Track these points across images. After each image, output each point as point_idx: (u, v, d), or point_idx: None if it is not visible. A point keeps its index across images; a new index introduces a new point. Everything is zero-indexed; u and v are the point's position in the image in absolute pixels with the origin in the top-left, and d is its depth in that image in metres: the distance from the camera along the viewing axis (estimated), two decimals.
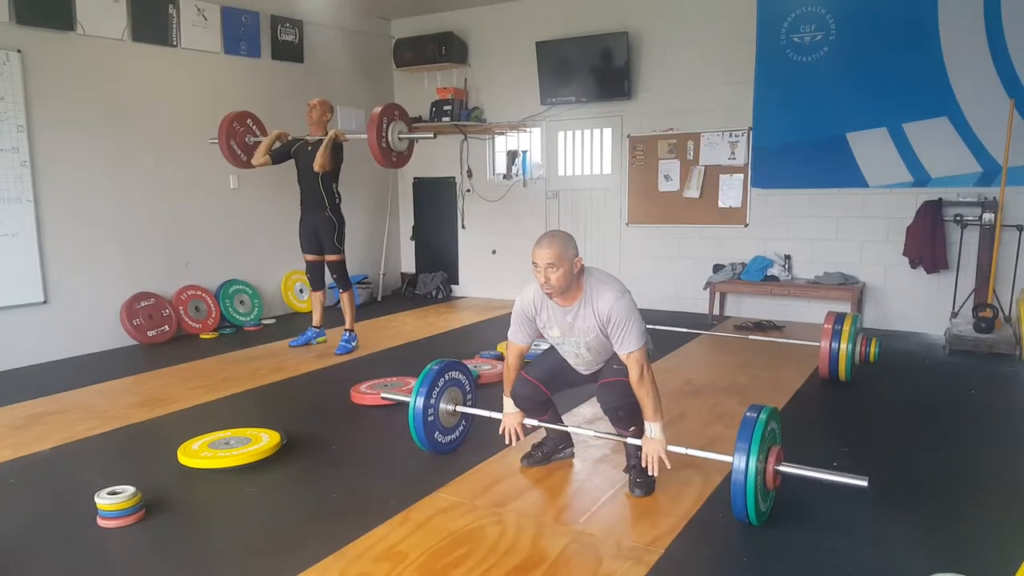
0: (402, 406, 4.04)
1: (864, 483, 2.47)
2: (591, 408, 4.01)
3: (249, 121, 5.64)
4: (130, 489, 2.75)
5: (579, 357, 2.98)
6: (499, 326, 6.31)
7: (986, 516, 2.73)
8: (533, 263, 2.74)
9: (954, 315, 5.61)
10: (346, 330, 5.52)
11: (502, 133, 7.66)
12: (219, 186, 6.43)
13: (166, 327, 5.91)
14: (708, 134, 6.54)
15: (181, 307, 6.07)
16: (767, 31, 6.16)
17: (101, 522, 2.70)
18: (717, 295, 6.54)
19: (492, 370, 4.62)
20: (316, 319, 5.70)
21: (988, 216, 5.37)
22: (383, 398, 3.79)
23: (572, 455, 3.31)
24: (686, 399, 4.18)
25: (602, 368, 2.98)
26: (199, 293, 6.23)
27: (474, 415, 3.43)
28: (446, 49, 7.45)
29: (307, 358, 5.34)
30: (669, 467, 2.75)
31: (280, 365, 5.14)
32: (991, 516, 2.73)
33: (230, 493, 3.03)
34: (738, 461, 2.49)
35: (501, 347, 5.20)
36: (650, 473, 2.81)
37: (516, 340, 3.01)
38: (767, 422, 2.58)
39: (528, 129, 7.51)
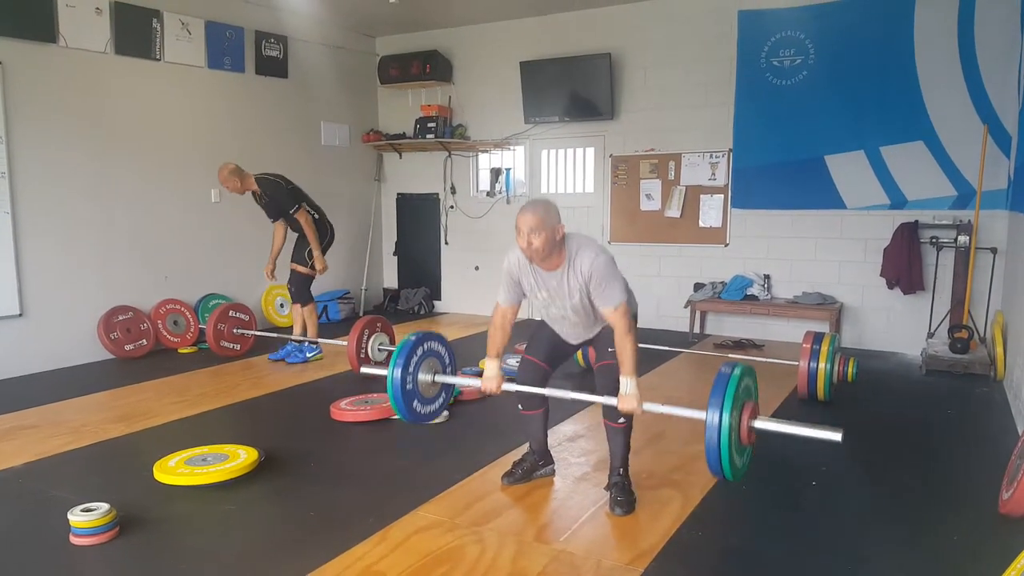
0: (382, 423, 4.04)
1: (838, 436, 2.53)
2: (572, 426, 4.01)
3: (232, 312, 5.83)
4: (104, 506, 2.70)
5: (566, 321, 3.01)
6: (481, 342, 6.29)
7: (962, 533, 2.76)
8: (516, 228, 2.82)
9: (930, 335, 5.69)
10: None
11: (486, 151, 7.70)
12: (200, 200, 6.39)
13: (144, 341, 5.84)
14: (689, 155, 6.62)
15: (160, 321, 6.01)
16: (747, 55, 6.27)
17: (74, 539, 2.65)
18: (698, 313, 6.59)
19: (473, 387, 4.59)
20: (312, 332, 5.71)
21: (963, 238, 5.47)
22: (362, 372, 3.81)
23: (552, 472, 3.31)
24: (666, 417, 4.15)
25: (597, 348, 3.04)
26: (178, 307, 6.17)
27: (454, 385, 3.44)
28: (431, 67, 7.50)
29: (287, 374, 5.31)
30: (641, 413, 2.78)
31: (259, 380, 5.10)
32: (967, 533, 2.76)
33: (207, 511, 2.99)
34: (711, 416, 2.51)
35: (483, 364, 5.18)
36: (621, 419, 2.88)
37: (501, 301, 3.06)
38: (741, 378, 2.60)
39: (512, 147, 7.55)
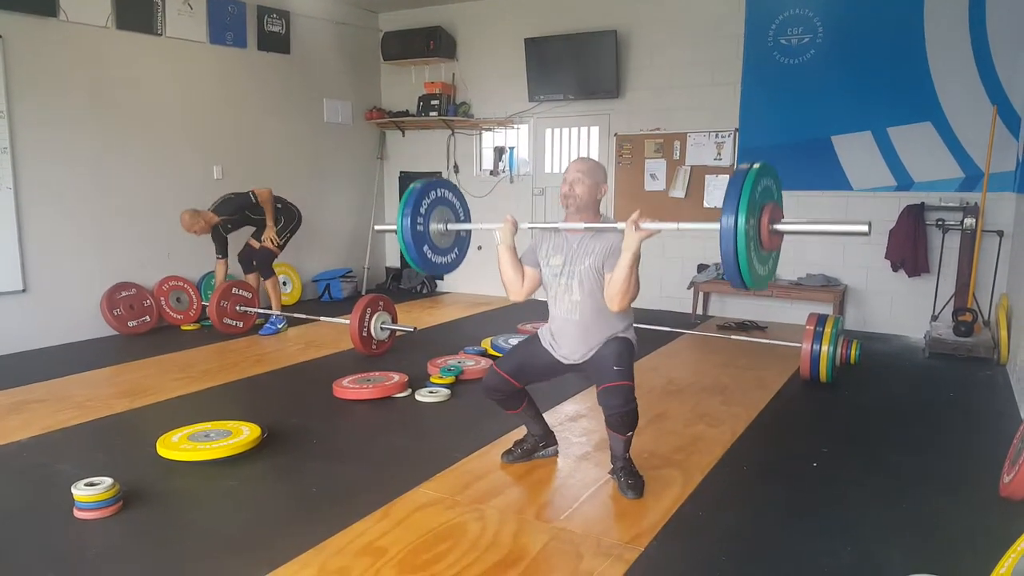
0: (384, 401, 4.05)
1: (865, 228, 2.35)
2: (574, 406, 4.02)
3: (235, 289, 5.86)
4: (108, 480, 2.72)
5: (570, 306, 2.90)
6: (483, 322, 6.31)
7: (963, 517, 2.76)
8: (563, 178, 2.90)
9: (934, 318, 5.67)
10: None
11: (489, 129, 7.64)
12: (203, 176, 6.37)
13: (147, 317, 5.85)
14: (695, 134, 6.56)
15: (162, 298, 6.01)
16: (755, 33, 6.19)
17: (78, 513, 2.67)
18: (701, 295, 6.57)
19: (476, 366, 4.61)
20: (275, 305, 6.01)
21: (969, 221, 5.43)
22: (376, 229, 3.80)
23: (555, 453, 3.30)
24: (668, 398, 4.20)
25: (597, 372, 2.91)
26: (181, 284, 6.17)
27: (469, 234, 3.36)
28: (434, 43, 7.42)
29: (289, 351, 5.32)
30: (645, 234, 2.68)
31: (262, 358, 5.11)
32: (968, 517, 2.76)
33: (209, 486, 3.01)
34: (726, 221, 2.28)
35: (486, 343, 5.20)
36: (627, 431, 2.84)
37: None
38: (758, 176, 2.37)
39: (516, 125, 7.49)
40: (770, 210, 2.46)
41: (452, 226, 3.21)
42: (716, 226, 2.37)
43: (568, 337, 2.96)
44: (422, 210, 3.07)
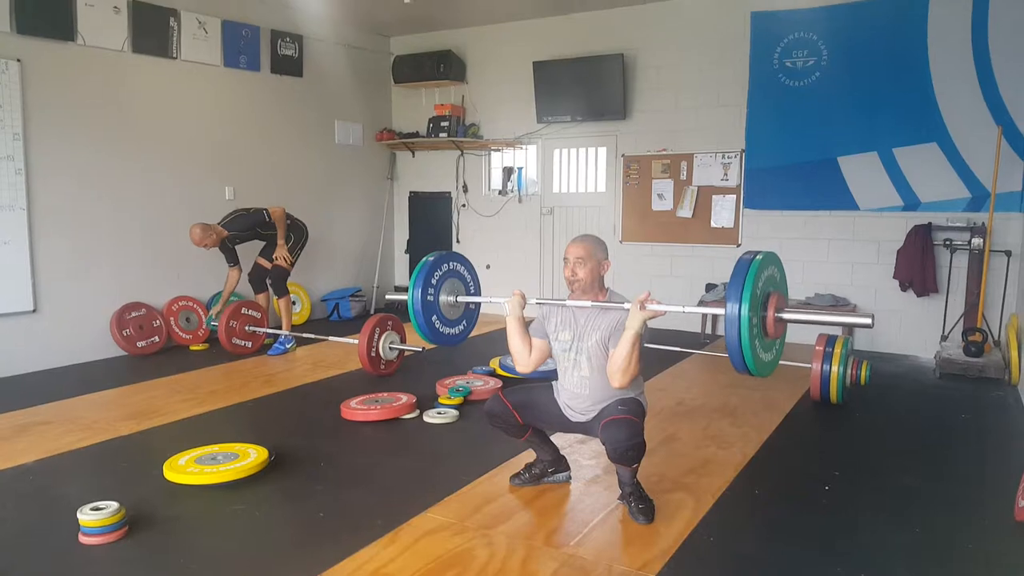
0: (391, 423, 4.04)
1: (868, 321, 2.46)
2: None
3: (244, 309, 5.87)
4: (114, 505, 2.71)
5: (579, 380, 2.92)
6: (492, 341, 6.29)
7: (979, 542, 2.72)
8: (564, 259, 2.91)
9: (944, 338, 5.64)
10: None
11: (498, 150, 7.69)
12: (215, 196, 6.42)
13: (156, 338, 5.87)
14: (701, 155, 6.58)
15: (172, 318, 6.04)
16: (760, 56, 6.22)
17: (83, 538, 2.66)
18: (710, 314, 6.55)
19: (484, 386, 4.60)
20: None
21: (977, 241, 5.41)
22: (387, 299, 3.85)
23: (568, 480, 3.24)
24: (679, 420, 4.17)
25: (606, 407, 2.89)
26: (190, 304, 6.20)
27: (478, 306, 3.44)
28: (444, 67, 7.50)
29: (298, 371, 5.32)
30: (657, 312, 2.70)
31: (270, 378, 5.11)
32: (984, 542, 2.72)
33: (216, 510, 3.00)
34: (730, 309, 2.35)
35: (494, 363, 5.19)
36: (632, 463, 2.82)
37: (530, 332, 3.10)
38: (762, 266, 2.45)
39: (524, 146, 7.54)
40: (775, 300, 2.52)
41: (462, 298, 3.31)
42: (720, 310, 2.45)
43: (579, 406, 2.98)
44: (433, 281, 3.17)
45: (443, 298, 3.23)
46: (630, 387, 2.84)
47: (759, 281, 2.43)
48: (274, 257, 5.86)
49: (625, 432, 2.74)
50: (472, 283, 3.42)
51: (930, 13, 5.55)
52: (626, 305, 2.79)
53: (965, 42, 5.47)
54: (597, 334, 2.87)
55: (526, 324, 3.07)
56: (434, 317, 3.20)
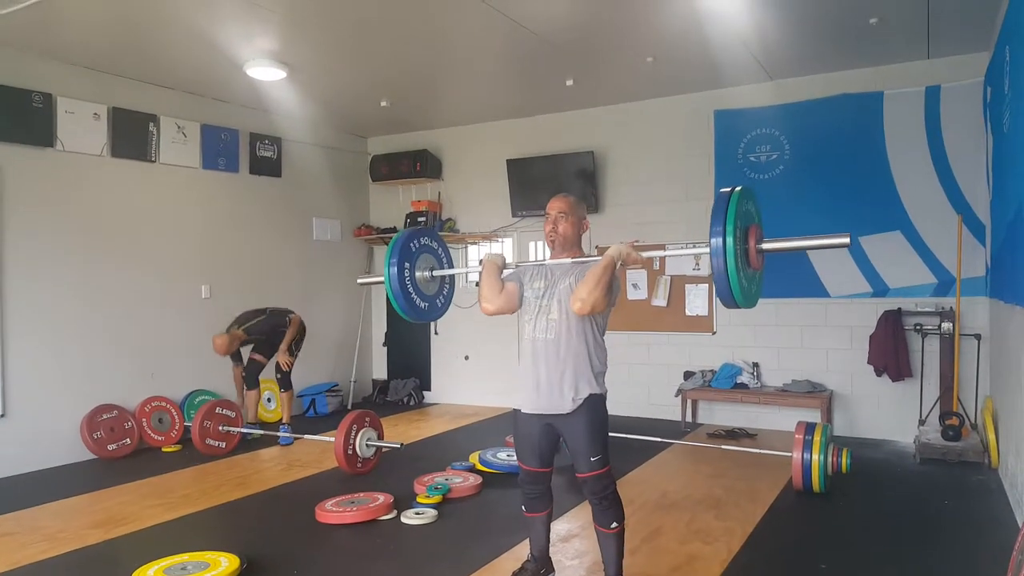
0: (368, 524, 3.93)
1: (846, 239, 2.57)
2: (566, 524, 3.92)
3: (219, 408, 5.84)
4: None
5: (546, 325, 2.87)
6: (471, 435, 6.22)
7: None
8: (546, 214, 2.94)
9: (922, 423, 5.67)
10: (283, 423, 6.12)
11: (475, 243, 7.83)
12: (191, 295, 6.42)
13: (127, 440, 5.72)
14: (673, 246, 6.74)
15: (144, 419, 5.91)
16: (725, 151, 6.50)
17: None
18: (689, 402, 6.55)
19: (464, 483, 4.52)
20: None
21: (947, 325, 5.53)
22: (360, 282, 3.73)
23: None
24: (662, 513, 4.11)
25: (577, 452, 2.87)
26: (163, 404, 6.08)
27: (453, 280, 3.43)
28: (421, 165, 7.72)
29: (272, 472, 5.20)
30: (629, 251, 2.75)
31: (244, 480, 4.98)
32: None
33: None
34: (715, 241, 2.46)
35: (473, 457, 5.11)
36: (613, 523, 2.81)
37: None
38: (740, 200, 2.55)
39: (500, 239, 7.69)
40: (755, 232, 2.63)
41: (437, 272, 3.32)
42: (704, 250, 2.54)
43: (544, 364, 2.87)
44: (409, 253, 3.18)
45: (418, 274, 3.22)
46: (600, 360, 2.87)
47: (739, 214, 2.54)
48: (277, 359, 6.06)
49: (599, 485, 2.81)
50: (444, 255, 3.41)
51: (885, 109, 5.86)
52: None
53: (920, 136, 5.75)
54: (569, 279, 2.87)
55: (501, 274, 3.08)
56: (412, 294, 3.17)
